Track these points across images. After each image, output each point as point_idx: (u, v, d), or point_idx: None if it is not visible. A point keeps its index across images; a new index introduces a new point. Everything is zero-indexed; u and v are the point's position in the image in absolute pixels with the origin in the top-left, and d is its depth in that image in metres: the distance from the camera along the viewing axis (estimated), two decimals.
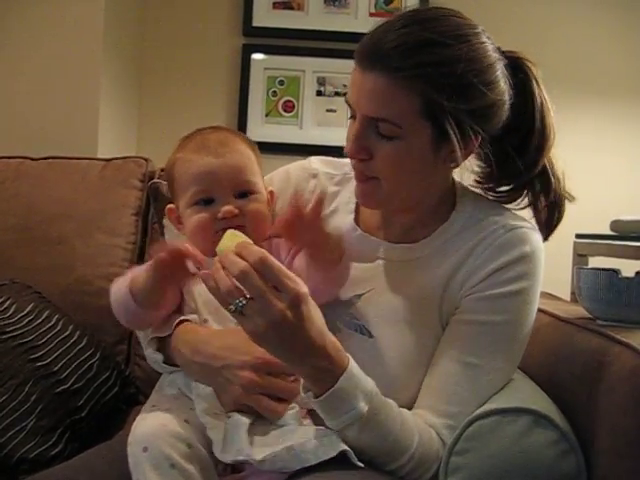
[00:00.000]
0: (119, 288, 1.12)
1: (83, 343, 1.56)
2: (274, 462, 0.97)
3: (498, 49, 1.11)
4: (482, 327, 1.10)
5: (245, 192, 1.15)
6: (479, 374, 1.08)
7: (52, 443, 1.33)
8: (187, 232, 1.17)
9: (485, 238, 1.13)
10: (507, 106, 1.10)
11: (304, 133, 2.61)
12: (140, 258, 1.84)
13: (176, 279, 1.08)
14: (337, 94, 2.63)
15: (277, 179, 1.31)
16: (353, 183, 1.16)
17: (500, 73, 1.08)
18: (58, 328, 1.53)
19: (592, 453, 1.05)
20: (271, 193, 1.22)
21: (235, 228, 1.10)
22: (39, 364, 1.41)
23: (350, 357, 0.99)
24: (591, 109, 2.29)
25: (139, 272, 1.09)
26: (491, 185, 1.21)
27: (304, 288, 0.92)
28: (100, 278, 1.77)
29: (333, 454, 0.97)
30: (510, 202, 1.20)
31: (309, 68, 2.63)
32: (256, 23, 2.62)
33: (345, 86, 2.62)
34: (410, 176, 1.09)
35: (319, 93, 2.64)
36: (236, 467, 1.02)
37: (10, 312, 1.49)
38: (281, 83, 2.64)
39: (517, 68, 1.13)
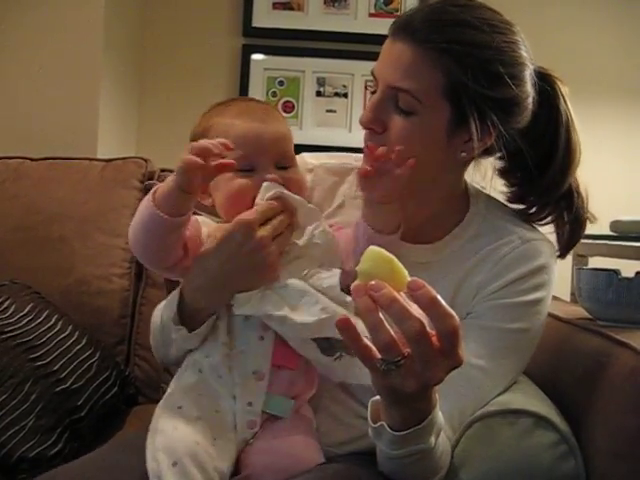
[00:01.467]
0: (140, 208, 1.01)
1: (83, 343, 1.56)
2: (346, 368, 1.01)
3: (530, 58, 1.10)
4: (495, 333, 1.10)
5: (284, 164, 1.10)
6: (485, 378, 1.08)
7: (51, 442, 1.33)
8: (222, 198, 1.09)
9: (501, 246, 1.13)
10: (529, 111, 1.09)
11: (304, 133, 2.61)
12: None
13: (206, 176, 0.97)
14: (337, 94, 2.63)
15: None
16: (354, 174, 1.15)
17: (528, 75, 1.08)
18: (58, 328, 1.53)
19: (592, 454, 1.05)
20: None
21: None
22: (39, 363, 1.41)
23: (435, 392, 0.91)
24: (590, 109, 2.29)
25: (163, 183, 0.99)
26: (519, 205, 1.19)
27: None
28: (100, 278, 1.77)
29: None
30: (536, 220, 1.19)
31: (309, 69, 2.63)
32: (256, 24, 2.62)
33: (345, 86, 2.62)
34: (420, 156, 1.04)
35: (319, 94, 2.64)
36: (238, 468, 1.01)
37: (10, 312, 1.49)
38: (281, 83, 2.64)
39: (545, 82, 1.13)
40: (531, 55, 1.10)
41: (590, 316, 1.35)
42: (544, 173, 1.14)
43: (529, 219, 1.19)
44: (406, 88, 1.03)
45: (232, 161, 0.96)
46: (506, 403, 1.08)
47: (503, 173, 1.21)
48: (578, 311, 1.39)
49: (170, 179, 0.96)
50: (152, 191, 0.98)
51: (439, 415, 0.93)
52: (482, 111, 1.04)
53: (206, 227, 1.08)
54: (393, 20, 1.10)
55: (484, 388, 1.07)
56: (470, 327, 1.09)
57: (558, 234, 1.18)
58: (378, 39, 2.65)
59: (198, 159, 0.93)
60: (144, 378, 1.75)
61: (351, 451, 1.09)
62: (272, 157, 1.08)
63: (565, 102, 1.14)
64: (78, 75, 2.27)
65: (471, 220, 1.17)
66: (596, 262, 1.88)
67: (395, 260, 0.81)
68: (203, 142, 0.94)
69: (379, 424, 0.93)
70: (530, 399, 1.11)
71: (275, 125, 1.10)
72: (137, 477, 0.97)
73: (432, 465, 0.98)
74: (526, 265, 1.12)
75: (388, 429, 0.91)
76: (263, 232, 1.01)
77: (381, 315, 0.79)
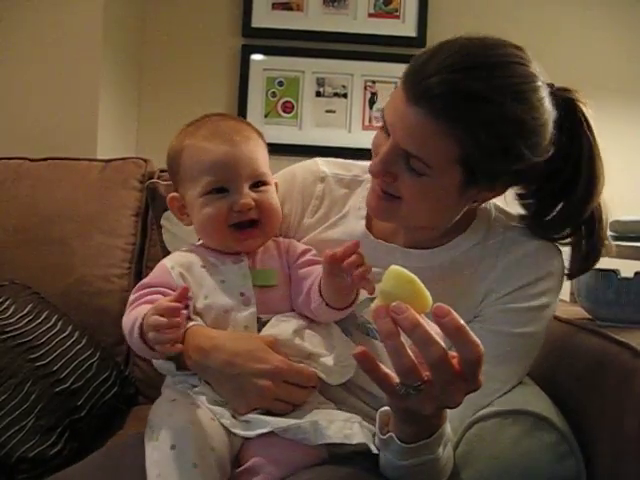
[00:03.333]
0: (130, 330, 1.03)
1: (82, 343, 1.56)
2: (297, 432, 0.97)
3: (552, 91, 1.05)
4: (502, 337, 1.10)
5: (259, 183, 1.12)
6: (488, 381, 1.07)
7: (51, 442, 1.33)
8: (197, 224, 1.13)
9: (510, 252, 1.14)
10: (548, 157, 1.04)
11: (303, 134, 2.61)
12: (139, 259, 1.84)
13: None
14: (336, 95, 2.63)
15: (282, 180, 1.27)
16: (364, 187, 1.16)
17: (549, 132, 1.03)
18: (57, 328, 1.53)
19: (592, 454, 1.06)
20: (276, 184, 1.18)
21: (250, 221, 1.10)
22: (38, 364, 1.41)
23: None
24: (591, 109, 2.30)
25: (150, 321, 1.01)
26: (540, 231, 1.16)
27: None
28: (99, 279, 1.77)
29: (354, 442, 0.97)
30: (553, 239, 1.17)
31: (308, 69, 2.63)
32: (255, 24, 2.62)
33: (344, 87, 2.62)
34: (431, 208, 1.07)
35: (318, 94, 2.64)
36: (240, 460, 1.01)
37: (9, 312, 1.49)
38: (280, 84, 2.64)
39: (569, 111, 1.08)
40: (552, 98, 1.04)
41: (589, 316, 1.35)
42: (564, 202, 1.12)
43: (544, 234, 1.16)
44: (418, 156, 1.00)
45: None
46: (506, 403, 1.08)
47: (522, 197, 1.18)
48: (577, 311, 1.39)
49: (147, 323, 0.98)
50: (139, 324, 1.00)
51: (448, 427, 0.94)
52: (495, 178, 1.04)
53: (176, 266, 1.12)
54: (407, 69, 1.02)
55: (487, 391, 1.06)
56: (476, 330, 1.09)
57: (573, 256, 1.16)
58: (377, 39, 2.69)
59: (164, 334, 0.96)
60: (144, 378, 1.74)
61: (353, 450, 1.10)
62: (245, 178, 1.10)
63: (589, 128, 1.09)
64: (78, 75, 2.26)
65: (476, 228, 1.17)
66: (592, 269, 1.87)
67: (417, 280, 0.80)
68: (165, 304, 0.97)
69: (388, 436, 0.93)
70: (530, 399, 1.11)
71: (246, 146, 1.11)
72: (137, 477, 0.97)
73: (437, 472, 0.98)
74: (535, 271, 1.12)
75: (397, 441, 0.92)
76: (276, 386, 1.01)
77: (402, 339, 0.79)
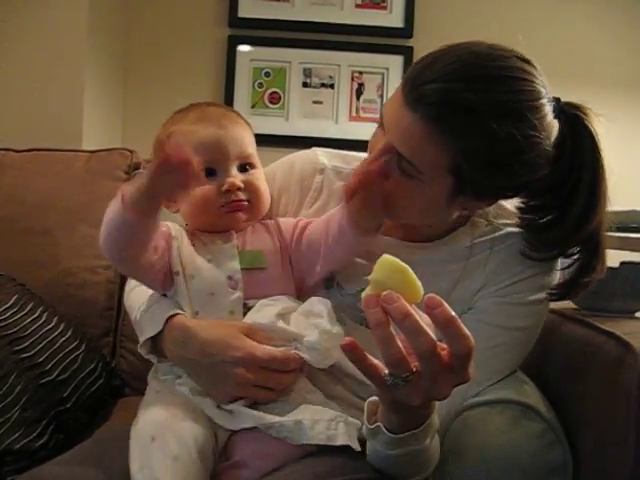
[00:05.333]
0: (110, 208, 1.02)
1: (68, 335, 1.55)
2: (280, 430, 0.97)
3: (557, 105, 1.03)
4: (495, 330, 1.11)
5: (247, 165, 1.13)
6: (478, 371, 1.07)
7: (37, 434, 1.33)
8: (186, 206, 1.12)
9: (506, 248, 1.15)
10: (542, 175, 1.02)
11: (290, 125, 2.60)
12: None
13: (173, 186, 0.95)
14: (323, 85, 2.62)
15: (280, 170, 1.29)
16: None
17: (546, 150, 1.00)
18: (43, 320, 1.52)
19: (578, 443, 1.06)
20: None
21: (239, 202, 1.10)
22: (23, 355, 1.40)
23: None
24: (589, 104, 2.30)
25: (133, 181, 0.99)
26: (539, 249, 1.13)
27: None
28: (85, 270, 1.76)
29: (337, 443, 0.96)
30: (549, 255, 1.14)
31: (295, 59, 2.61)
32: (242, 14, 2.60)
33: (331, 77, 2.61)
34: (419, 211, 1.07)
35: (305, 85, 2.63)
36: (228, 455, 1.01)
37: None
38: (267, 75, 2.63)
39: (574, 128, 1.05)
40: (556, 112, 1.02)
41: (575, 306, 1.36)
42: (563, 217, 1.09)
43: (540, 251, 1.13)
44: (409, 159, 0.99)
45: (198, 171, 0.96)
46: (494, 393, 1.08)
47: (521, 211, 1.17)
48: (563, 301, 1.39)
49: (139, 181, 0.95)
50: (120, 193, 0.98)
51: (435, 417, 0.94)
52: (485, 192, 1.03)
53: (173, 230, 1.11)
54: (410, 70, 1.00)
55: (476, 381, 1.05)
56: (470, 322, 1.09)
57: (568, 274, 1.14)
58: (364, 30, 2.68)
59: (171, 164, 0.91)
60: (130, 370, 1.74)
61: None
62: (233, 160, 1.11)
63: (595, 147, 1.06)
64: (62, 65, 2.24)
65: (474, 224, 1.18)
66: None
67: (409, 270, 0.79)
68: (186, 153, 0.92)
69: (375, 425, 0.93)
70: (518, 389, 1.11)
71: (233, 128, 1.12)
72: (123, 469, 0.96)
73: (423, 463, 0.99)
74: (530, 267, 1.13)
75: (385, 431, 0.92)
76: (252, 373, 1.00)
77: (392, 329, 0.78)
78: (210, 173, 1.10)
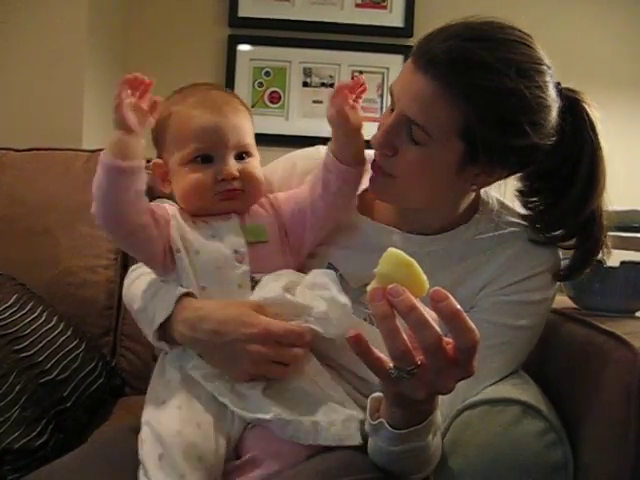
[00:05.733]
0: (95, 175, 1.05)
1: (68, 334, 1.55)
2: (297, 430, 0.97)
3: (558, 88, 1.07)
4: (496, 328, 1.11)
5: (244, 154, 1.13)
6: (480, 370, 1.07)
7: (37, 433, 1.32)
8: (180, 190, 1.12)
9: (510, 247, 1.15)
10: (548, 148, 1.06)
11: (290, 124, 2.60)
12: None
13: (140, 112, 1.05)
14: (323, 85, 2.62)
15: (282, 168, 1.29)
16: (366, 175, 1.16)
17: (551, 116, 1.04)
18: (42, 319, 1.51)
19: (578, 442, 1.06)
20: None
21: (233, 190, 1.10)
22: (23, 355, 1.40)
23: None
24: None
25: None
26: (537, 231, 1.17)
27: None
28: (85, 270, 1.76)
29: (350, 443, 0.97)
30: (551, 240, 1.17)
31: (295, 59, 2.62)
32: (242, 14, 2.61)
33: (331, 77, 2.62)
34: (427, 184, 1.08)
35: (305, 84, 2.63)
36: (238, 454, 1.01)
37: None
38: (267, 74, 2.63)
39: (573, 111, 1.09)
40: (555, 82, 1.06)
41: (575, 305, 1.36)
42: (564, 198, 1.12)
43: (541, 235, 1.16)
44: (420, 123, 1.01)
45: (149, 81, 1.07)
46: (495, 392, 1.08)
47: (522, 194, 1.20)
48: (563, 301, 1.39)
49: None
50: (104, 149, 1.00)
51: (438, 415, 0.94)
52: (495, 155, 1.03)
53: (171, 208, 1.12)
54: (418, 40, 1.07)
55: (477, 380, 1.06)
56: (472, 320, 1.09)
57: (570, 258, 1.16)
58: (364, 29, 2.68)
59: (124, 94, 1.04)
60: (130, 369, 1.74)
61: None
62: (231, 148, 1.10)
63: (593, 130, 1.10)
64: (62, 65, 2.24)
65: (478, 221, 1.18)
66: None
67: (415, 264, 0.79)
68: (127, 76, 1.03)
69: (378, 421, 0.93)
70: (519, 388, 1.11)
71: (234, 116, 1.12)
72: (123, 472, 0.97)
73: (425, 460, 0.99)
74: (533, 266, 1.14)
75: (388, 427, 0.92)
76: (267, 349, 1.00)
77: (398, 322, 0.78)
78: (206, 160, 1.10)
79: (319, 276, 1.08)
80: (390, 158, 1.07)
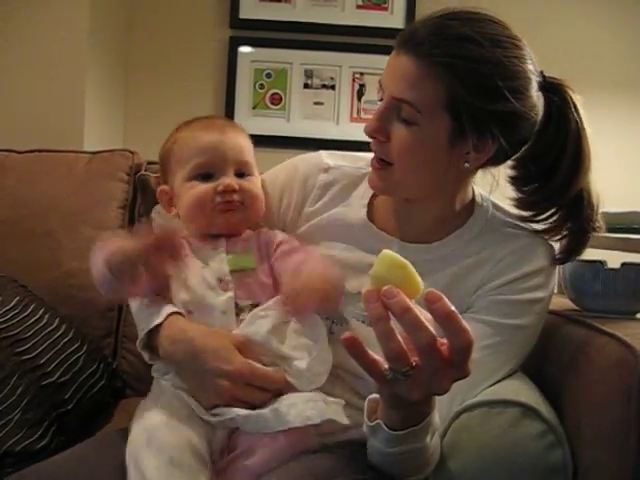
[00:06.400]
0: (96, 259, 1.07)
1: (69, 336, 1.55)
2: (258, 421, 0.99)
3: (541, 73, 1.12)
4: (493, 328, 1.11)
5: (244, 172, 1.17)
6: (477, 371, 1.07)
7: (38, 436, 1.33)
8: (183, 208, 1.17)
9: (505, 247, 1.16)
10: (534, 121, 1.10)
11: (291, 126, 2.60)
12: None
13: (161, 263, 1.05)
14: (324, 86, 2.63)
15: (284, 171, 1.30)
16: (367, 180, 1.17)
17: (532, 87, 1.08)
18: (44, 321, 1.52)
19: (578, 444, 1.06)
20: (262, 182, 1.23)
21: (232, 202, 1.13)
22: (25, 357, 1.40)
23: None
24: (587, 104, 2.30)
25: (119, 247, 1.05)
26: (529, 212, 1.20)
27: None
28: (86, 272, 1.71)
29: (317, 421, 0.97)
30: (542, 223, 1.19)
31: (296, 61, 2.62)
32: (243, 15, 2.61)
33: (332, 78, 2.62)
34: (421, 165, 1.09)
35: (306, 86, 2.63)
36: (230, 448, 1.02)
37: None
38: (268, 76, 2.63)
39: (555, 92, 1.13)
40: (537, 67, 1.10)
41: (576, 307, 1.36)
42: (551, 178, 1.15)
43: (534, 222, 1.19)
44: (408, 99, 1.05)
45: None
46: (494, 393, 1.08)
47: (513, 180, 1.22)
48: (564, 302, 1.39)
49: (126, 244, 1.04)
50: (107, 258, 1.04)
51: (436, 416, 0.94)
52: (481, 124, 1.05)
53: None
54: (399, 33, 1.10)
55: (475, 380, 1.06)
56: (469, 321, 1.09)
57: (562, 240, 1.18)
58: (365, 31, 2.69)
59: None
60: (131, 371, 1.74)
61: (339, 441, 1.09)
62: (231, 165, 1.15)
63: (576, 111, 1.14)
64: (64, 67, 2.25)
65: (473, 224, 1.19)
66: (582, 253, 1.88)
67: (409, 265, 0.80)
68: (177, 232, 1.07)
69: (375, 422, 0.93)
70: (518, 389, 1.11)
71: (234, 135, 1.18)
72: (114, 470, 0.98)
73: (423, 461, 0.99)
74: (529, 265, 1.14)
75: (385, 428, 0.92)
76: (236, 388, 1.01)
77: (392, 324, 0.78)
78: (207, 177, 1.15)
79: (311, 325, 1.09)
80: (385, 144, 1.09)
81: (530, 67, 1.08)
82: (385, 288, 0.78)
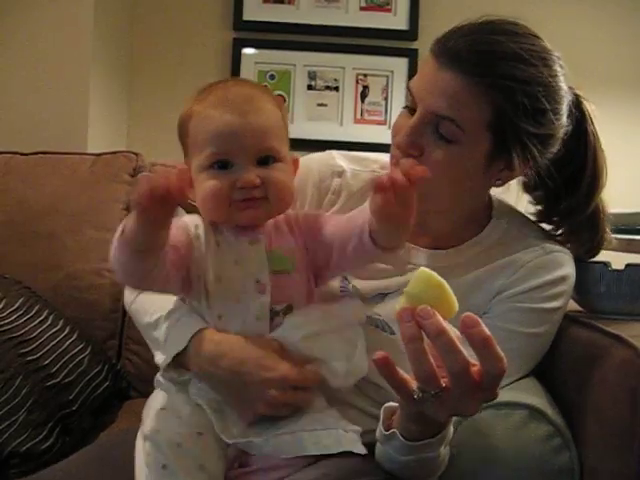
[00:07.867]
0: (113, 243, 0.91)
1: (74, 337, 1.55)
2: (276, 445, 0.95)
3: (571, 89, 1.11)
4: (508, 334, 1.10)
5: (268, 158, 1.00)
6: None
7: (43, 437, 1.33)
8: (198, 199, 1.01)
9: (524, 255, 1.14)
10: (560, 140, 1.09)
11: (295, 127, 2.59)
12: None
13: (166, 216, 0.85)
14: (328, 88, 2.62)
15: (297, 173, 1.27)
16: None
17: (565, 107, 1.08)
18: (48, 322, 1.52)
19: (584, 445, 1.06)
20: (295, 162, 1.07)
21: (256, 199, 0.98)
22: (29, 358, 1.40)
23: None
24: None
25: (128, 220, 0.87)
26: (542, 223, 1.22)
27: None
28: (90, 273, 1.76)
29: (334, 451, 0.94)
30: (558, 237, 1.21)
31: (300, 62, 2.62)
32: (247, 17, 2.61)
33: (336, 80, 2.62)
34: (453, 181, 1.07)
35: (310, 87, 2.63)
36: (243, 462, 1.00)
37: (0, 307, 1.48)
38: (272, 77, 2.63)
39: (575, 105, 1.12)
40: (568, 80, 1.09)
41: (581, 308, 1.36)
42: (570, 195, 1.15)
43: (551, 235, 1.20)
44: (451, 117, 1.01)
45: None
46: (501, 395, 1.07)
47: (528, 189, 1.22)
48: (569, 303, 1.39)
49: (133, 216, 0.85)
50: (121, 229, 0.88)
51: (451, 427, 0.93)
52: (523, 145, 1.04)
53: (191, 223, 1.02)
54: (436, 39, 1.07)
55: None
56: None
57: (576, 253, 1.19)
58: (369, 33, 2.68)
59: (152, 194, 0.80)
60: (135, 372, 1.74)
61: None
62: (251, 153, 0.99)
63: (592, 123, 1.14)
64: (68, 69, 2.25)
65: (491, 231, 1.18)
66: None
67: (445, 285, 0.79)
68: (161, 186, 0.79)
69: (391, 431, 0.93)
70: (525, 391, 1.11)
71: (255, 117, 0.99)
72: (124, 474, 0.97)
73: (434, 468, 0.99)
74: (548, 274, 1.13)
75: (401, 438, 0.91)
76: (283, 395, 0.96)
77: (425, 345, 0.78)
78: (224, 166, 0.98)
79: (349, 329, 1.04)
80: (416, 159, 1.03)
81: (564, 85, 1.07)
82: (420, 308, 0.77)
